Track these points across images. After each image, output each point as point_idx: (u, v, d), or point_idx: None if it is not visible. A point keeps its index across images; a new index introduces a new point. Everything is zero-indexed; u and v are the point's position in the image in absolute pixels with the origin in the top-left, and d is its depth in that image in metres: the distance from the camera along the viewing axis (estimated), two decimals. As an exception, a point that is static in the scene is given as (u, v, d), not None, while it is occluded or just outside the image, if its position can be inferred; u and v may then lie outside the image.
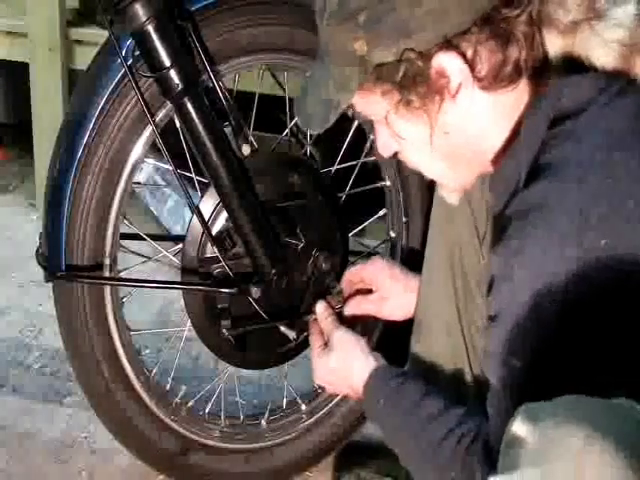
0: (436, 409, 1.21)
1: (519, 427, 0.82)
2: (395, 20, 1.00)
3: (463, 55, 1.02)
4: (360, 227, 1.69)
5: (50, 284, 1.46)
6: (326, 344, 1.44)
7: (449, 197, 1.22)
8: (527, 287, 0.98)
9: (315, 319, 1.48)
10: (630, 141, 0.99)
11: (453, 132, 1.08)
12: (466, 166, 1.14)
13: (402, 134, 1.11)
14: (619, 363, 0.93)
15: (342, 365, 1.39)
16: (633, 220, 0.95)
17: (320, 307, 1.48)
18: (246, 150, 1.42)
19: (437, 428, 1.18)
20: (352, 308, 1.51)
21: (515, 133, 1.08)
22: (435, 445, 1.17)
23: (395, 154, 1.17)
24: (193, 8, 1.36)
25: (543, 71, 1.06)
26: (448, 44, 1.02)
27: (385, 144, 1.15)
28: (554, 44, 1.05)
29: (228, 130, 1.40)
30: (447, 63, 1.02)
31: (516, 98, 1.07)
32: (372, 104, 1.10)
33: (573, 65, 1.05)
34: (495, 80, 1.04)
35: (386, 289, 1.48)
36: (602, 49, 1.03)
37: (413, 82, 1.04)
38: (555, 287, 0.95)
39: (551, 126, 1.03)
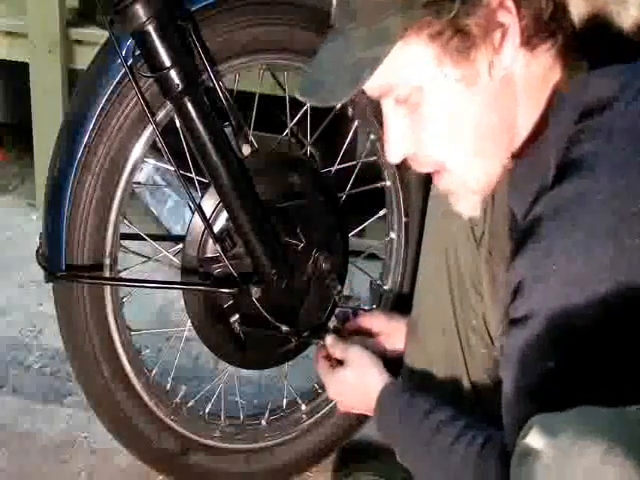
0: (445, 416, 1.20)
1: (534, 439, 0.80)
2: None
3: None
4: (360, 227, 1.69)
5: (50, 284, 1.46)
6: (332, 366, 1.44)
7: (466, 206, 1.13)
8: (562, 289, 0.94)
9: (322, 345, 1.49)
10: None
11: (492, 95, 1.03)
12: (492, 152, 1.07)
13: (439, 97, 1.03)
14: None
15: (357, 381, 1.39)
16: None
17: (330, 339, 1.48)
18: (246, 150, 1.42)
19: (447, 433, 1.17)
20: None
21: (539, 126, 1.05)
22: (446, 450, 1.16)
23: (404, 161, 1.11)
24: (193, 8, 1.36)
25: (570, 49, 1.03)
26: None
27: (402, 138, 1.06)
28: (578, 8, 1.02)
29: (228, 130, 1.40)
30: None
31: (545, 75, 1.04)
32: (406, 65, 1.02)
33: (597, 34, 1.02)
34: (535, 30, 1.00)
35: (388, 327, 1.50)
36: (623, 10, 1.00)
37: (472, 10, 0.98)
38: (592, 289, 0.92)
39: (578, 121, 0.99)
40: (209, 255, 1.46)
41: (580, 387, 0.91)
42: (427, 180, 1.58)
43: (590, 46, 1.03)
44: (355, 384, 1.40)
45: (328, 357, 1.47)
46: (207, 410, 1.63)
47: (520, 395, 1.00)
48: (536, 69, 1.04)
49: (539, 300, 0.97)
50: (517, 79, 1.04)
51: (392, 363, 1.44)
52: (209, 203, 1.45)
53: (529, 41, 1.02)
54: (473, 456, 1.11)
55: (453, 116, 1.04)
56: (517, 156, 1.08)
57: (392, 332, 1.49)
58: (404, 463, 1.28)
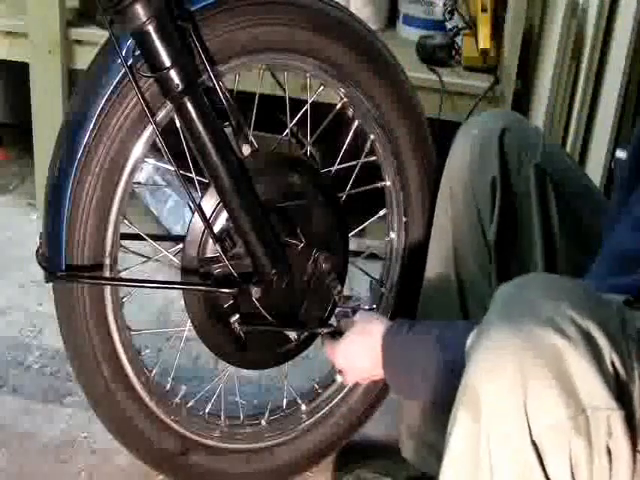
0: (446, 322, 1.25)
1: (501, 288, 0.97)
2: None
3: None
4: (360, 227, 1.69)
5: (50, 284, 1.46)
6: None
7: None
8: None
9: (326, 332, 1.50)
10: None
11: None
12: None
13: None
14: None
15: (361, 331, 1.40)
16: None
17: (342, 321, 1.49)
18: (246, 150, 1.42)
19: (450, 328, 1.22)
20: None
21: None
22: (451, 338, 1.20)
23: None
24: (193, 8, 1.36)
25: None
26: None
27: None
28: None
29: (228, 130, 1.40)
30: None
31: None
32: None
33: None
34: None
35: None
36: None
37: None
38: None
39: None
40: (209, 255, 1.46)
41: None
42: (427, 180, 1.59)
43: None
44: (360, 335, 1.40)
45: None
46: (207, 410, 1.63)
47: None
48: None
49: None
50: None
51: None
52: (209, 203, 1.45)
53: None
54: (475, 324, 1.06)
55: None
56: None
57: None
58: (409, 392, 1.31)
